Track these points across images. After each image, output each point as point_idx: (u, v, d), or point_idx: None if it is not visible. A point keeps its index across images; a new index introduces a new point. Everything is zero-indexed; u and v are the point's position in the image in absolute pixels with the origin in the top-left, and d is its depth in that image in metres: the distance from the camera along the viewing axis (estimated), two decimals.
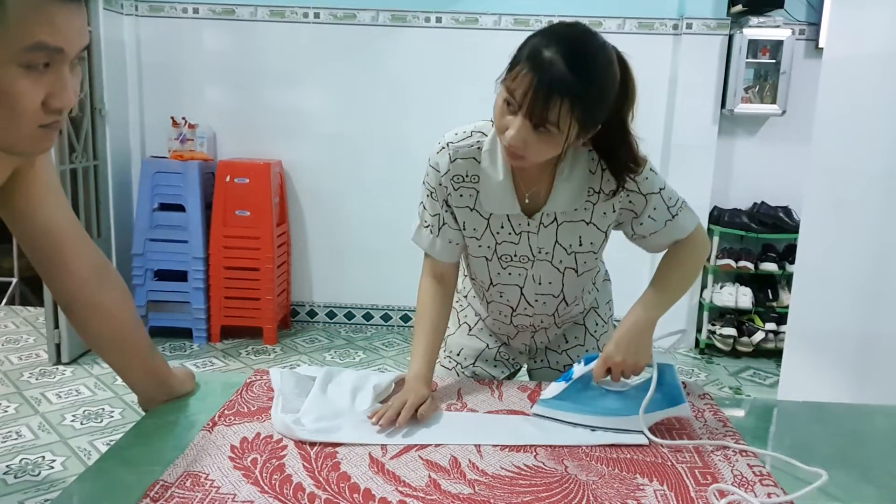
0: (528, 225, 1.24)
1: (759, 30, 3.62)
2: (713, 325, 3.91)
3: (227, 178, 3.65)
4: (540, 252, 1.27)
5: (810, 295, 2.38)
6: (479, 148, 1.22)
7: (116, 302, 1.12)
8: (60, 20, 0.78)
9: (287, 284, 4.04)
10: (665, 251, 1.32)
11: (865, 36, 2.15)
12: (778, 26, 3.64)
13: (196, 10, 3.86)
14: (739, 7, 3.59)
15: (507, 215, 1.24)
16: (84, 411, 2.90)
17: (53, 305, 3.32)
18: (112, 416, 2.86)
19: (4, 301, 4.29)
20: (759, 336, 3.75)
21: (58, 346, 3.38)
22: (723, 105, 3.74)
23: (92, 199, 3.59)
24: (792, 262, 3.30)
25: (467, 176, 1.23)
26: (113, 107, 3.71)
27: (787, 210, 3.76)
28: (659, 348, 1.22)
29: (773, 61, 3.69)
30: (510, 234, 1.26)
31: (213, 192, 3.68)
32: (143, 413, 1.20)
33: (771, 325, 3.77)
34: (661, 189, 1.24)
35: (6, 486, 2.32)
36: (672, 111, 3.77)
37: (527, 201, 1.23)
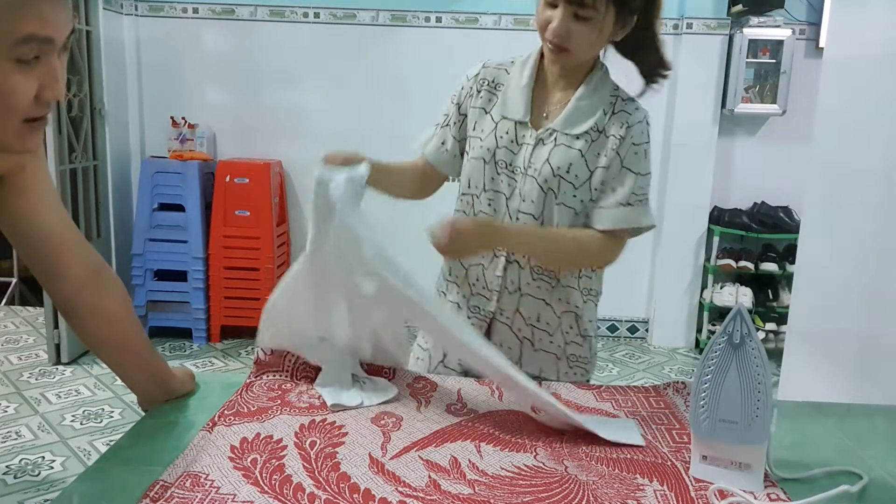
0: (530, 137, 1.31)
1: (759, 30, 3.63)
2: (713, 325, 3.91)
3: (227, 178, 3.65)
4: (530, 167, 1.31)
5: (810, 295, 2.39)
6: (511, 61, 1.36)
7: (115, 305, 1.12)
8: (48, 9, 0.78)
9: None
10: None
11: (865, 36, 2.15)
12: (778, 26, 3.64)
13: (196, 10, 3.86)
14: (739, 7, 3.60)
15: (516, 123, 1.31)
16: (84, 411, 2.90)
17: (53, 305, 3.32)
18: (112, 416, 2.86)
19: (4, 301, 4.29)
20: (759, 336, 3.75)
21: (57, 347, 3.38)
22: (723, 105, 3.74)
23: (92, 199, 3.59)
24: (792, 262, 3.30)
25: (493, 82, 1.35)
26: (113, 107, 3.71)
27: (787, 210, 3.76)
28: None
29: (774, 61, 3.69)
30: (511, 142, 1.32)
31: (212, 192, 3.68)
32: (143, 413, 1.20)
33: (771, 325, 3.77)
34: (638, 173, 1.31)
35: (6, 487, 2.32)
36: (672, 111, 3.77)
37: (545, 114, 1.32)
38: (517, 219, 1.34)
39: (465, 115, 1.39)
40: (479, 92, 1.36)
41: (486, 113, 1.35)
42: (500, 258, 1.37)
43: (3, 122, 0.80)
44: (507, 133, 1.32)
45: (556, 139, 1.30)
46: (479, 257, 1.38)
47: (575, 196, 1.30)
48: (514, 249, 1.33)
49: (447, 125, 1.41)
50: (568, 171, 1.29)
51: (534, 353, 1.41)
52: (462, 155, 1.41)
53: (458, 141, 1.41)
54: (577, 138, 1.29)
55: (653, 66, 1.33)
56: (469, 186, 1.37)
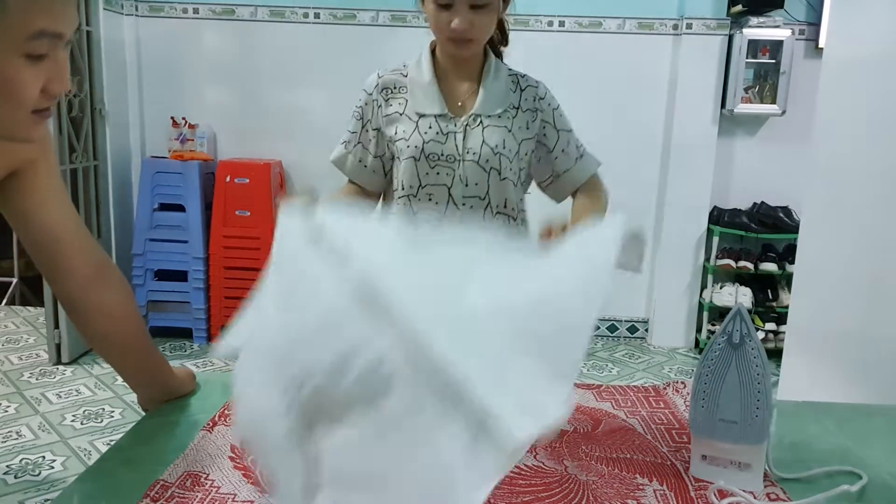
0: (456, 125, 1.37)
1: (759, 30, 3.62)
2: (713, 324, 3.91)
3: (227, 178, 3.65)
4: (468, 152, 1.37)
5: (810, 295, 2.39)
6: (405, 65, 1.43)
7: (118, 302, 1.12)
8: (58, 6, 0.80)
9: None
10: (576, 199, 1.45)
11: (865, 36, 2.15)
12: (778, 26, 3.64)
13: (196, 10, 3.86)
14: (739, 7, 3.59)
15: (436, 117, 1.37)
16: (84, 411, 2.90)
17: (53, 305, 3.32)
18: (112, 416, 2.86)
19: (4, 301, 4.29)
20: (758, 336, 3.75)
21: (58, 346, 3.38)
22: (723, 105, 3.74)
23: (92, 199, 3.59)
24: (792, 262, 3.30)
25: (395, 87, 1.41)
26: (113, 107, 3.71)
27: (786, 210, 3.76)
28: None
29: (773, 61, 3.69)
30: (437, 133, 1.37)
31: (213, 192, 3.68)
32: (144, 413, 1.20)
33: (771, 325, 3.77)
34: (570, 130, 1.45)
35: (6, 486, 2.32)
36: (672, 111, 3.77)
37: (460, 104, 1.39)
38: (463, 204, 1.39)
39: (378, 129, 1.42)
40: (386, 101, 1.41)
41: (402, 115, 1.40)
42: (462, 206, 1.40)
43: (13, 114, 0.82)
44: (430, 128, 1.37)
45: (481, 122, 1.37)
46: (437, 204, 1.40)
47: (511, 169, 1.39)
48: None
49: (359, 143, 1.44)
50: (504, 147, 1.38)
51: None
52: (383, 171, 1.45)
53: (376, 157, 1.44)
54: (500, 117, 1.38)
55: (500, 40, 1.47)
56: (404, 188, 1.40)
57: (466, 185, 1.38)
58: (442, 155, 1.37)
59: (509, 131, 1.38)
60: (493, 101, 1.38)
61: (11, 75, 0.78)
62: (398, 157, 1.40)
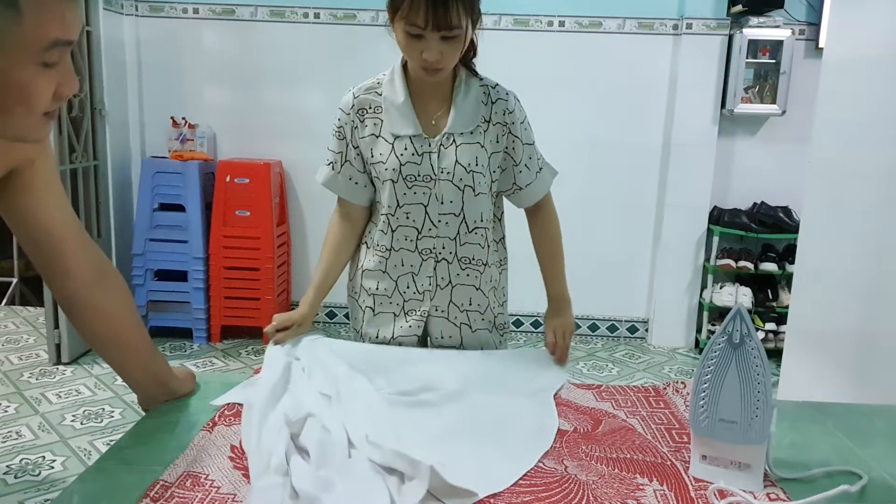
0: (430, 146, 1.39)
1: (759, 30, 3.62)
2: (713, 325, 3.91)
3: (227, 178, 3.65)
4: (442, 172, 1.39)
5: (810, 295, 2.39)
6: (378, 83, 1.43)
7: (117, 303, 1.12)
8: (69, 14, 0.82)
9: (287, 284, 4.04)
10: (537, 222, 1.55)
11: (865, 36, 2.15)
12: (778, 26, 3.64)
13: (196, 10, 3.86)
14: (739, 7, 3.59)
15: (410, 138, 1.38)
16: (84, 411, 2.90)
17: (53, 305, 3.32)
18: (112, 416, 2.86)
19: (4, 301, 4.29)
20: (758, 336, 3.75)
21: (58, 346, 3.38)
22: (723, 105, 3.74)
23: (92, 199, 3.59)
24: (792, 262, 3.30)
25: (370, 108, 1.42)
26: (113, 107, 3.71)
27: (787, 210, 3.76)
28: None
29: (773, 61, 3.69)
30: (413, 154, 1.38)
31: (213, 192, 3.68)
32: (144, 413, 1.20)
33: (771, 325, 3.77)
34: (532, 143, 1.47)
35: (6, 486, 2.32)
36: (672, 111, 3.77)
37: (433, 122, 1.40)
38: (439, 221, 1.42)
39: (358, 147, 1.44)
40: (361, 121, 1.42)
41: (378, 137, 1.41)
42: (430, 260, 1.45)
43: (26, 119, 0.84)
44: (405, 149, 1.38)
45: (454, 140, 1.39)
46: (405, 265, 1.46)
47: (485, 183, 1.42)
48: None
49: (346, 162, 1.45)
50: (477, 164, 1.40)
51: (472, 335, 1.51)
52: (372, 183, 1.47)
53: (363, 173, 1.46)
54: (472, 133, 1.40)
55: (472, 51, 1.41)
56: (386, 207, 1.43)
57: (442, 203, 1.41)
58: (418, 175, 1.39)
59: (482, 147, 1.40)
60: (464, 119, 1.39)
61: (27, 83, 0.81)
62: (378, 178, 1.43)
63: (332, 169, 1.46)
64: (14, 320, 4.05)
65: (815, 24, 3.74)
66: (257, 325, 3.79)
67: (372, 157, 1.41)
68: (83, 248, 1.09)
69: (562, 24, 3.78)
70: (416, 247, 1.44)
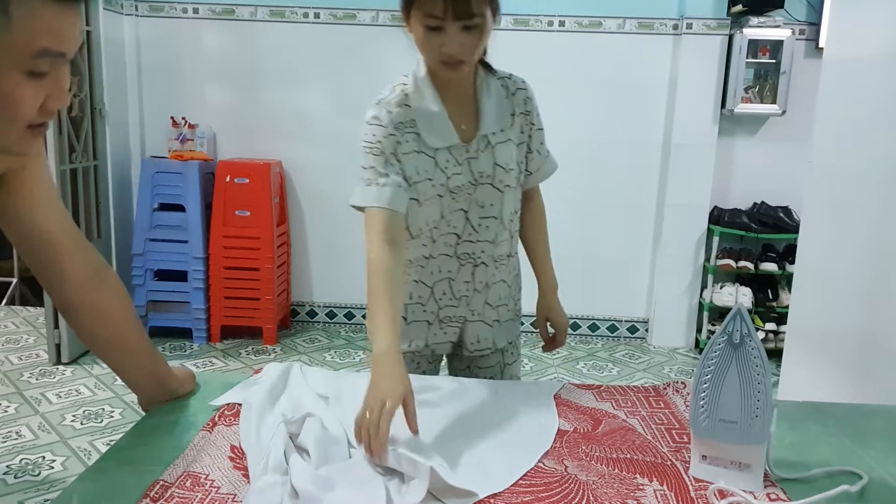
0: (469, 152, 1.35)
1: (759, 30, 3.62)
2: (713, 324, 3.91)
3: (227, 178, 3.65)
4: (482, 176, 1.36)
5: (810, 295, 2.38)
6: (405, 94, 1.33)
7: (115, 304, 1.12)
8: (63, 26, 0.80)
9: (287, 284, 4.04)
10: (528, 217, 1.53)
11: (865, 36, 2.15)
12: (778, 26, 3.64)
13: (196, 10, 3.86)
14: (739, 7, 3.59)
15: (449, 148, 1.33)
16: (84, 411, 2.90)
17: (53, 305, 3.31)
18: (112, 416, 2.86)
19: (4, 301, 4.29)
20: (758, 336, 3.75)
21: (58, 347, 3.38)
22: (723, 105, 3.74)
23: (92, 199, 3.59)
24: (792, 262, 3.30)
25: (406, 121, 1.33)
26: (113, 107, 3.71)
27: (787, 210, 3.76)
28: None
29: (773, 61, 3.69)
30: (455, 164, 1.34)
31: (213, 192, 3.68)
32: (144, 413, 1.20)
33: (771, 325, 3.77)
34: (542, 127, 1.46)
35: (6, 486, 2.32)
36: (672, 111, 3.77)
37: (463, 127, 1.35)
38: (479, 225, 1.39)
39: (401, 162, 1.32)
40: (403, 136, 1.31)
41: (419, 153, 1.33)
42: (468, 264, 1.41)
43: (8, 129, 0.82)
44: (447, 161, 1.34)
45: (489, 142, 1.36)
46: (443, 271, 1.41)
47: (516, 177, 1.41)
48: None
49: (388, 174, 1.29)
50: (512, 160, 1.39)
51: (501, 328, 1.50)
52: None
53: (411, 185, 1.33)
54: (503, 131, 1.38)
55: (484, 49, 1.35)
56: (427, 224, 1.36)
57: (482, 207, 1.38)
58: (462, 184, 1.35)
59: (512, 142, 1.39)
60: (494, 119, 1.37)
61: (10, 90, 0.78)
62: (421, 195, 1.33)
63: (378, 184, 1.29)
64: (14, 320, 4.05)
65: (815, 24, 3.74)
66: (257, 326, 3.80)
67: (417, 174, 1.32)
68: (79, 250, 1.08)
69: (562, 24, 3.78)
70: (455, 252, 1.40)
